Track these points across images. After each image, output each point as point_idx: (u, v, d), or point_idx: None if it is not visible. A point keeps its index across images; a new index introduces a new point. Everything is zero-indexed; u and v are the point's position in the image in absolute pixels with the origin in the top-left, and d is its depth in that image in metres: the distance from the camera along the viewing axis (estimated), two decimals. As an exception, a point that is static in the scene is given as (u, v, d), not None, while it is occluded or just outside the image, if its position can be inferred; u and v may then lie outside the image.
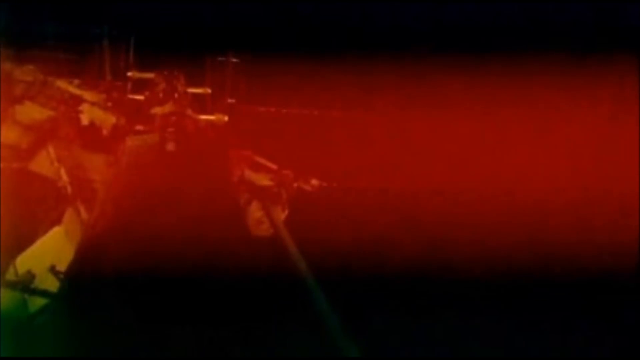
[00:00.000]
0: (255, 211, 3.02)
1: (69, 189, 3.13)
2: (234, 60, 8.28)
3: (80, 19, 7.88)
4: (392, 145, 8.13)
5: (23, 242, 3.26)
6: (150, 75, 4.39)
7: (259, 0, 8.12)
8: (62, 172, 3.12)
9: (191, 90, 4.34)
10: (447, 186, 7.72)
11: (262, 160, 3.20)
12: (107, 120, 3.15)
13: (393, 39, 8.14)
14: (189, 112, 3.47)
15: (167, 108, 3.31)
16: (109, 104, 3.29)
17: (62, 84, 3.25)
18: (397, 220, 6.90)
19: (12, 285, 2.83)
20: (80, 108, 3.14)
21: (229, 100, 8.08)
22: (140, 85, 4.37)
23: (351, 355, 1.69)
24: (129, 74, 4.63)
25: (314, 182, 3.27)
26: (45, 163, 3.11)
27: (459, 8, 8.06)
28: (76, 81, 3.46)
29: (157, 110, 3.29)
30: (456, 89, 8.34)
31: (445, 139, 8.32)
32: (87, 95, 3.23)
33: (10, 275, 2.91)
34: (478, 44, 7.98)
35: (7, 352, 2.38)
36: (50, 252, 3.13)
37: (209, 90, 4.71)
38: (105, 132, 3.15)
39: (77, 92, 3.23)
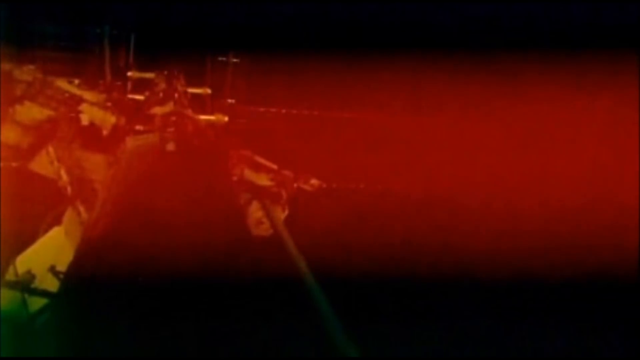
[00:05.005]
0: (255, 211, 3.02)
1: (69, 189, 3.13)
2: (234, 60, 8.29)
3: (80, 19, 7.89)
4: (393, 146, 8.14)
5: (23, 242, 3.26)
6: (150, 75, 4.39)
7: (259, 0, 8.12)
8: (62, 172, 3.11)
9: (191, 90, 4.34)
10: (447, 188, 7.72)
11: (262, 160, 3.19)
12: (107, 120, 3.15)
13: (394, 40, 8.14)
14: (189, 112, 3.46)
15: (167, 108, 3.31)
16: (109, 104, 3.28)
17: (62, 84, 3.25)
18: (396, 221, 6.91)
19: (12, 285, 2.83)
20: (80, 108, 3.14)
21: (229, 101, 8.10)
22: (140, 85, 4.38)
23: (351, 355, 1.69)
24: (129, 74, 4.63)
25: (314, 182, 3.26)
26: (45, 163, 3.10)
27: (460, 10, 8.05)
28: (76, 81, 3.45)
29: (157, 110, 3.29)
30: (456, 90, 8.33)
31: (445, 141, 8.32)
32: (87, 95, 3.22)
33: (10, 275, 2.91)
34: (477, 46, 7.98)
35: (7, 352, 2.38)
36: (50, 252, 3.13)
37: (209, 91, 4.71)
38: (105, 132, 3.14)
39: (77, 92, 3.22)
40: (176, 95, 3.63)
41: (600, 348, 5.33)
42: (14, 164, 3.08)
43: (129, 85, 4.63)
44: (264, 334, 1.58)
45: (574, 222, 7.10)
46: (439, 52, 7.91)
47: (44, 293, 2.82)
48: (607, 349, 5.39)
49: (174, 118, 3.05)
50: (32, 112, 3.05)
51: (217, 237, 1.97)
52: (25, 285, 2.82)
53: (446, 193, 7.60)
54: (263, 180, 3.11)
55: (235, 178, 3.05)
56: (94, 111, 3.16)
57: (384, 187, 7.63)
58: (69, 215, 3.20)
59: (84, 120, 3.13)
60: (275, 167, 3.20)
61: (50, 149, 3.09)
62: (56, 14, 7.91)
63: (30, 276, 2.88)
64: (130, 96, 4.10)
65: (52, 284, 2.87)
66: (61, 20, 7.95)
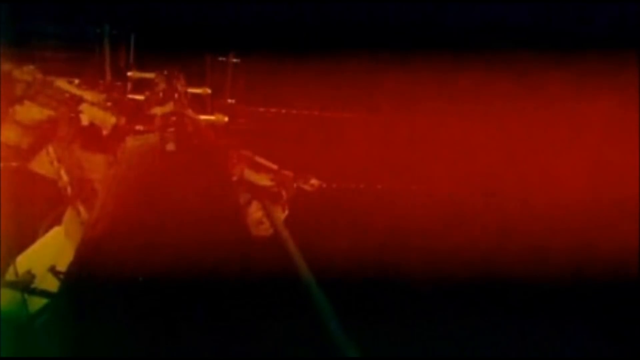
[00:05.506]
0: (255, 211, 3.02)
1: (69, 189, 3.13)
2: (234, 60, 8.29)
3: (80, 19, 7.88)
4: (392, 145, 8.14)
5: (23, 242, 3.27)
6: (150, 75, 4.39)
7: (259, 0, 8.12)
8: (62, 172, 3.11)
9: (191, 90, 4.35)
10: (447, 187, 7.72)
11: (262, 160, 3.20)
12: (107, 120, 3.15)
13: (394, 40, 8.14)
14: (189, 112, 3.46)
15: (167, 108, 3.31)
16: (109, 104, 3.29)
17: (62, 84, 3.25)
18: (396, 221, 6.91)
19: (12, 285, 2.83)
20: (80, 108, 3.14)
21: (229, 101, 8.10)
22: (140, 85, 4.38)
23: (351, 355, 1.69)
24: (129, 74, 4.63)
25: (314, 182, 3.26)
26: (45, 163, 3.11)
27: (460, 9, 8.05)
28: (76, 81, 3.45)
29: (157, 110, 3.29)
30: (456, 90, 8.33)
31: (445, 140, 8.32)
32: (87, 95, 3.23)
33: (10, 275, 2.91)
34: (478, 45, 7.97)
35: (8, 352, 2.38)
36: (50, 252, 3.13)
37: (208, 90, 4.71)
38: (105, 132, 3.15)
39: (77, 92, 3.23)
40: (176, 95, 3.63)
41: (600, 348, 5.33)
42: (14, 164, 3.08)
43: (129, 85, 4.63)
44: (264, 334, 1.58)
45: (575, 221, 7.09)
46: (440, 52, 7.91)
47: (44, 293, 2.82)
48: (607, 348, 5.39)
49: (174, 118, 3.05)
50: (32, 112, 3.05)
51: (217, 237, 1.97)
52: (25, 285, 2.82)
53: (447, 192, 7.60)
54: (263, 180, 3.12)
55: (235, 178, 3.05)
56: (94, 111, 3.16)
57: (384, 187, 7.63)
58: (69, 215, 3.20)
59: (84, 120, 3.13)
60: (275, 167, 3.20)
61: (50, 149, 3.09)
62: (56, 14, 7.91)
63: (30, 276, 2.89)
64: (130, 96, 4.10)
65: (52, 284, 2.87)
66: (61, 20, 7.95)
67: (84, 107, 3.16)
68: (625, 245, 6.40)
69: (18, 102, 3.04)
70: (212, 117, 3.96)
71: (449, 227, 6.85)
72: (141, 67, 4.72)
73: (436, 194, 7.56)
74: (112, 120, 3.15)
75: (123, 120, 3.17)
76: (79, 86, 3.34)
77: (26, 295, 2.82)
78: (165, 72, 4.22)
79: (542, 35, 8.12)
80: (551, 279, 6.07)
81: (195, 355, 1.46)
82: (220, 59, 8.24)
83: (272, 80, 8.21)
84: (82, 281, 1.69)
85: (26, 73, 3.19)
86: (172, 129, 2.80)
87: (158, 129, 2.94)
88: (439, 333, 5.30)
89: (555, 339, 5.49)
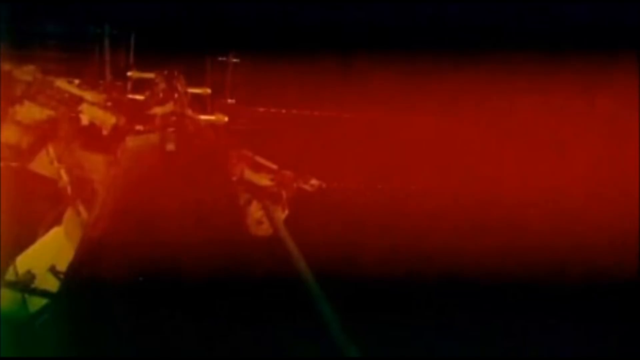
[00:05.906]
0: (255, 211, 3.02)
1: (69, 189, 3.13)
2: (234, 60, 8.30)
3: (80, 19, 7.89)
4: (392, 145, 8.14)
5: (23, 242, 3.27)
6: (150, 75, 4.39)
7: (260, 0, 8.12)
8: (62, 172, 3.11)
9: (191, 90, 4.34)
10: (447, 187, 7.73)
11: (262, 160, 3.20)
12: (107, 120, 3.15)
13: (394, 41, 8.14)
14: (189, 112, 3.46)
15: (167, 108, 3.31)
16: (109, 104, 3.29)
17: (62, 84, 3.25)
18: (396, 220, 6.91)
19: (12, 285, 2.84)
20: (80, 108, 3.14)
21: (229, 101, 8.11)
22: (140, 85, 4.38)
23: (351, 355, 1.69)
24: (129, 74, 4.63)
25: (314, 182, 3.26)
26: (45, 163, 3.11)
27: (460, 9, 8.05)
28: (76, 81, 3.45)
29: (157, 110, 3.29)
30: (456, 90, 8.34)
31: (446, 140, 8.33)
32: (87, 95, 3.23)
33: (10, 275, 2.92)
34: (478, 45, 7.98)
35: (8, 352, 2.38)
36: (50, 252, 3.13)
37: (208, 91, 4.71)
38: (105, 132, 3.14)
39: (77, 92, 3.23)
40: (176, 95, 3.63)
41: (600, 348, 5.33)
42: (14, 164, 3.08)
43: (129, 85, 4.63)
44: (263, 334, 1.58)
45: (574, 221, 7.10)
46: (441, 53, 7.92)
47: (44, 293, 2.83)
48: (607, 349, 5.39)
49: (174, 118, 3.05)
50: (32, 112, 3.05)
51: (217, 237, 1.97)
52: (25, 285, 2.83)
53: (447, 192, 7.61)
54: (263, 180, 3.12)
55: (235, 178, 3.05)
56: (94, 111, 3.16)
57: (384, 187, 7.64)
58: (69, 215, 3.20)
59: (84, 120, 3.13)
60: (275, 167, 3.20)
61: (50, 149, 3.09)
62: (56, 14, 7.91)
63: (30, 276, 2.89)
64: (130, 96, 4.10)
65: (52, 284, 2.88)
66: (61, 20, 7.96)
67: (84, 107, 3.16)
68: (626, 245, 6.40)
69: (18, 102, 3.04)
70: (212, 117, 3.96)
71: (449, 226, 6.85)
72: (141, 67, 4.71)
73: (437, 194, 7.57)
74: (112, 120, 3.15)
75: (123, 120, 3.17)
76: (79, 86, 3.34)
77: (26, 295, 2.82)
78: (165, 72, 4.22)
79: (540, 36, 8.13)
80: (551, 279, 6.07)
81: (195, 355, 1.46)
82: (220, 59, 8.25)
83: (272, 80, 8.22)
84: (82, 281, 1.69)
85: (26, 73, 3.19)
86: (172, 129, 2.80)
87: (158, 129, 2.94)
88: (440, 333, 5.30)
89: (554, 339, 5.49)
